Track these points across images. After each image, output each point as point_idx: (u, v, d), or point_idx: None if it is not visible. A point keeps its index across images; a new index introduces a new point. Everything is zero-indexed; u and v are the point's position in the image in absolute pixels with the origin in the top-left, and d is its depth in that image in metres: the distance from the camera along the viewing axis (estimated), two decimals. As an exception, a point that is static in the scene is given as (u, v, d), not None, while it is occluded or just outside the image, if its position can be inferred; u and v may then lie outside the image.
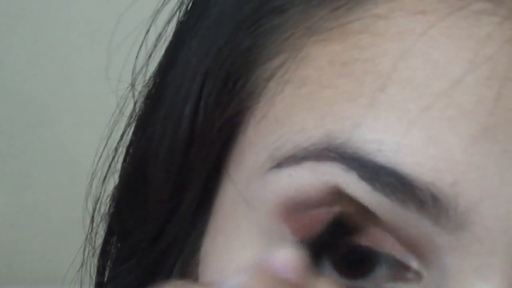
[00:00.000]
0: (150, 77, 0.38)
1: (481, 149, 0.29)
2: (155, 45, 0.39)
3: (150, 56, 0.39)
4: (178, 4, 0.38)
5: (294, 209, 0.31)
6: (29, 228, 1.12)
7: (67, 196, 1.11)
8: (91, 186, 0.42)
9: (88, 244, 0.42)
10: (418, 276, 0.30)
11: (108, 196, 0.40)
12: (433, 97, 0.29)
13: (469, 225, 0.29)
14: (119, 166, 0.40)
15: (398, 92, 0.29)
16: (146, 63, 0.40)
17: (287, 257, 0.28)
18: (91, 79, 1.10)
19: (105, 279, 0.41)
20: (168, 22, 0.38)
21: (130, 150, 0.39)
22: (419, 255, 0.30)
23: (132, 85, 0.40)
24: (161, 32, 0.39)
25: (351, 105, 0.30)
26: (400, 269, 0.30)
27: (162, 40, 0.39)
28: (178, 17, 0.37)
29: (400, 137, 0.29)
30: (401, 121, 0.29)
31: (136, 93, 0.40)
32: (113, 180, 0.41)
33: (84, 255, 0.43)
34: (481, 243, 0.29)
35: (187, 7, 0.37)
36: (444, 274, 0.29)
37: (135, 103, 0.39)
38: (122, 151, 0.40)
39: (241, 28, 0.33)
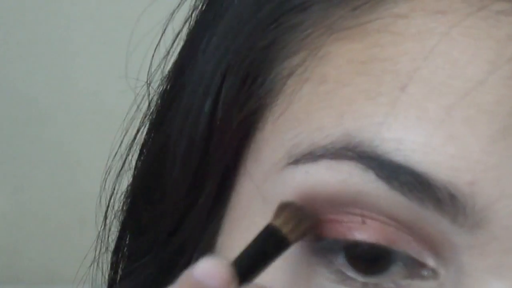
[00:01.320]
0: (166, 75, 0.38)
1: (499, 148, 0.29)
2: (172, 44, 0.39)
3: (168, 54, 0.39)
4: (193, 5, 0.38)
5: (309, 206, 0.31)
6: (29, 228, 1.12)
7: (67, 196, 1.11)
8: (105, 183, 0.42)
9: (100, 241, 0.42)
10: (434, 273, 0.30)
11: (122, 193, 0.40)
12: (453, 97, 0.29)
13: (486, 224, 0.29)
14: (133, 163, 0.40)
15: (417, 91, 0.30)
16: (164, 61, 0.40)
17: (209, 266, 0.28)
18: (91, 79, 1.10)
19: (119, 275, 0.41)
20: (185, 22, 0.38)
21: (145, 147, 0.39)
22: (435, 253, 0.30)
23: (148, 84, 0.40)
24: (178, 32, 0.39)
25: (370, 103, 0.30)
26: (416, 267, 0.31)
27: (176, 40, 0.39)
28: (194, 15, 0.38)
29: (418, 136, 0.29)
30: (420, 120, 0.29)
31: (149, 91, 0.41)
32: (127, 178, 0.41)
33: (95, 252, 0.43)
34: (498, 241, 0.29)
35: (203, 5, 0.37)
36: (460, 272, 0.30)
37: (150, 101, 0.39)
38: (136, 148, 0.40)
39: (261, 26, 0.33)
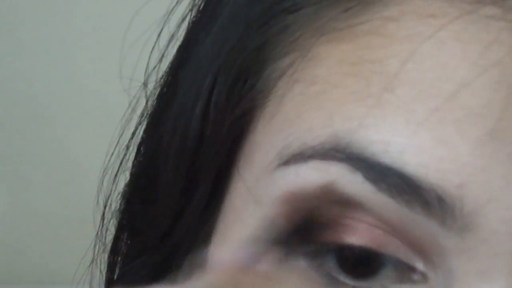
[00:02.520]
0: (162, 76, 0.38)
1: (488, 151, 0.29)
2: (167, 45, 0.39)
3: (162, 56, 0.40)
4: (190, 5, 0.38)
5: (296, 207, 0.31)
6: (29, 228, 1.12)
7: (67, 196, 1.11)
8: (102, 183, 0.42)
9: (98, 241, 0.42)
10: (424, 277, 0.30)
11: (119, 193, 0.41)
12: (441, 99, 0.29)
13: (475, 227, 0.29)
14: (130, 163, 0.40)
15: (405, 93, 0.30)
16: (159, 62, 0.40)
17: (252, 250, 0.28)
18: (91, 79, 1.10)
19: (115, 275, 0.41)
20: (180, 22, 0.39)
21: (141, 148, 0.39)
22: (424, 257, 0.30)
23: (144, 84, 0.40)
24: (173, 32, 0.39)
25: (358, 105, 0.30)
26: (405, 270, 0.30)
27: (174, 40, 0.40)
28: (190, 16, 0.38)
29: (406, 138, 0.29)
30: (408, 122, 0.29)
31: (144, 92, 0.41)
32: (124, 178, 0.41)
33: (94, 251, 0.43)
34: (487, 245, 0.29)
35: (199, 7, 0.37)
36: (449, 275, 0.29)
37: (147, 101, 0.39)
38: (133, 148, 0.40)
39: (252, 27, 0.33)
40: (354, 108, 0.30)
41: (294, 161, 0.31)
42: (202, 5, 0.37)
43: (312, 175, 0.30)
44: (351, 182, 0.30)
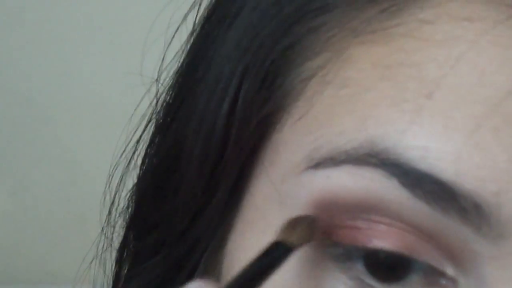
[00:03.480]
0: (175, 73, 0.38)
1: None
2: (169, 43, 0.39)
3: (164, 54, 0.39)
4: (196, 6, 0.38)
5: (328, 211, 0.31)
6: (29, 228, 1.12)
7: (67, 196, 1.11)
8: (110, 180, 0.42)
9: (103, 239, 0.42)
10: (453, 282, 0.30)
11: (127, 192, 0.40)
12: (480, 106, 0.29)
13: (510, 235, 0.28)
14: (139, 162, 0.40)
15: (443, 99, 0.29)
16: (162, 61, 0.40)
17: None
18: (91, 79, 1.10)
19: (123, 273, 0.41)
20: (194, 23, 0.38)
21: (154, 146, 0.39)
22: (455, 262, 0.30)
23: (157, 81, 0.40)
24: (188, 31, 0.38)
25: (394, 110, 0.30)
26: (435, 276, 0.30)
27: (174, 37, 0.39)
28: (197, 12, 0.37)
29: (444, 144, 0.29)
30: (446, 128, 0.29)
31: (158, 90, 0.40)
32: (131, 176, 0.41)
33: (97, 249, 0.43)
34: None
35: (215, 3, 0.37)
36: (481, 281, 0.29)
37: (157, 100, 0.39)
38: (142, 147, 0.40)
39: (283, 25, 0.33)
40: (389, 113, 0.30)
41: (325, 165, 0.30)
42: (219, 1, 0.36)
43: (345, 180, 0.30)
44: (387, 188, 0.29)
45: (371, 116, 0.30)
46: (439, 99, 0.29)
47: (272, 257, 0.30)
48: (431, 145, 0.29)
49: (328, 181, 0.30)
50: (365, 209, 0.30)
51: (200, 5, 0.38)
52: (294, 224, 0.31)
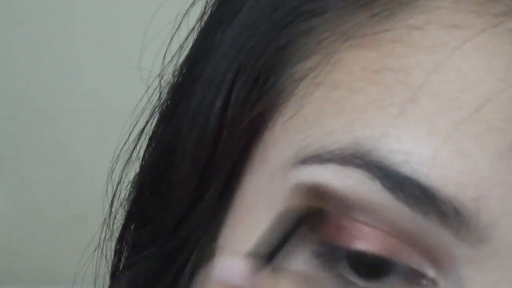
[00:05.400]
0: (176, 69, 0.39)
1: (506, 166, 0.29)
2: (170, 42, 0.40)
3: (166, 53, 0.40)
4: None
5: (309, 198, 0.31)
6: (29, 228, 1.12)
7: (67, 196, 1.12)
8: (112, 173, 0.43)
9: (105, 228, 0.43)
10: (434, 283, 0.31)
11: (129, 183, 0.41)
12: (463, 112, 0.29)
13: (488, 239, 0.29)
14: (141, 153, 0.41)
15: (428, 104, 0.30)
16: (163, 58, 0.40)
17: (235, 265, 0.29)
18: (91, 79, 1.10)
19: (122, 263, 0.41)
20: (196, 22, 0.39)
21: (154, 139, 0.39)
22: (436, 265, 0.30)
23: (160, 76, 0.40)
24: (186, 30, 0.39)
25: (381, 113, 0.30)
26: (416, 276, 0.31)
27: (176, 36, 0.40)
28: (204, 11, 0.38)
29: (427, 149, 0.29)
30: (430, 134, 0.29)
31: (150, 86, 0.41)
32: (134, 168, 0.41)
33: (99, 239, 0.43)
34: (499, 257, 0.29)
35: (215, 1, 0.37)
36: (459, 284, 0.30)
37: (160, 93, 0.40)
38: (144, 139, 0.41)
39: (276, 27, 0.33)
40: (376, 116, 0.30)
41: (311, 162, 0.31)
42: (220, 0, 0.37)
43: (330, 179, 0.30)
44: (370, 189, 0.30)
45: (359, 119, 0.31)
46: (424, 104, 0.30)
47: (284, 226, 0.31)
48: (414, 150, 0.29)
49: (313, 175, 0.31)
50: (349, 207, 0.30)
51: (196, 3, 0.39)
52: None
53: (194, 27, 0.38)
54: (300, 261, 0.32)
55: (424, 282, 0.31)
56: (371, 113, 0.30)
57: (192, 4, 0.39)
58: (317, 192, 0.31)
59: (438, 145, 0.29)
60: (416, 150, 0.29)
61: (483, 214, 0.29)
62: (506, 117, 0.29)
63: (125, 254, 0.41)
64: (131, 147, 0.42)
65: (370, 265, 0.31)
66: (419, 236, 0.30)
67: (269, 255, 0.30)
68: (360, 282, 0.31)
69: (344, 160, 0.30)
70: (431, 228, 0.29)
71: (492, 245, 0.29)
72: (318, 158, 0.31)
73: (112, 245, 0.43)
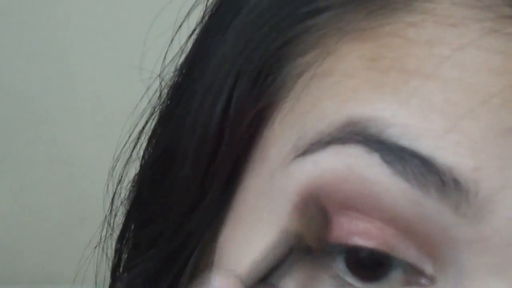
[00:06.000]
0: (176, 69, 0.39)
1: (503, 142, 0.29)
2: (170, 43, 0.40)
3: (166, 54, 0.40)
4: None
5: (312, 197, 0.31)
6: (29, 228, 1.12)
7: (67, 196, 1.12)
8: (113, 171, 0.43)
9: (106, 227, 0.43)
10: (432, 281, 0.31)
11: (129, 182, 0.41)
12: (459, 94, 0.30)
13: (488, 215, 0.29)
14: (141, 153, 0.41)
15: (422, 85, 0.30)
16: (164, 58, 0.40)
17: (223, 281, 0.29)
18: (91, 79, 1.10)
19: (122, 263, 0.41)
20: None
21: (153, 140, 0.40)
22: (434, 257, 0.30)
23: (160, 76, 0.41)
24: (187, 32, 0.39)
25: (375, 92, 0.31)
26: (414, 274, 0.31)
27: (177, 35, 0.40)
28: (204, 12, 0.38)
29: (423, 123, 0.30)
30: (425, 108, 0.30)
31: (151, 87, 0.41)
32: (134, 167, 0.41)
33: (100, 237, 0.43)
34: (499, 235, 0.29)
35: (214, 4, 0.38)
36: (460, 274, 0.30)
37: (160, 93, 0.40)
38: (144, 138, 0.41)
39: (275, 29, 0.34)
40: (370, 94, 0.31)
41: (312, 150, 0.31)
42: (220, 2, 0.37)
43: (331, 161, 0.31)
44: (368, 164, 0.30)
45: (352, 98, 0.31)
46: (418, 86, 0.30)
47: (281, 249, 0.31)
48: (411, 123, 0.30)
49: (315, 166, 0.31)
50: (348, 194, 0.30)
51: (199, 5, 0.39)
52: (301, 209, 0.31)
53: (194, 29, 0.39)
54: (296, 262, 0.31)
55: (423, 280, 0.31)
56: (365, 93, 0.31)
57: (193, 6, 0.40)
58: (318, 187, 0.31)
59: (434, 119, 0.29)
60: (413, 123, 0.30)
61: (482, 184, 0.29)
62: (502, 103, 0.29)
63: (125, 254, 0.41)
64: (131, 146, 0.42)
65: (367, 265, 0.31)
66: (418, 221, 0.30)
67: (263, 277, 0.30)
68: (357, 283, 0.31)
69: (342, 139, 0.30)
70: (430, 206, 0.29)
71: (492, 220, 0.29)
72: (318, 144, 0.31)
73: (113, 244, 0.43)
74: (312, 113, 0.32)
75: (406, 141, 0.30)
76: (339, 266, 0.31)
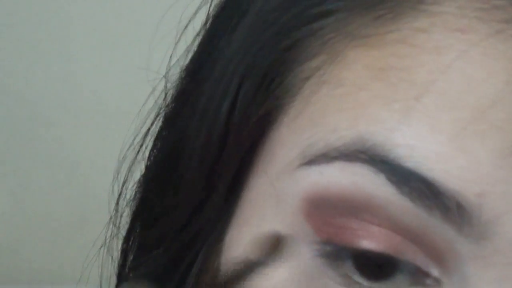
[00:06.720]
0: (181, 71, 0.39)
1: (509, 164, 0.29)
2: (175, 44, 0.40)
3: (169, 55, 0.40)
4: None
5: (320, 207, 0.31)
6: (29, 228, 1.12)
7: (67, 196, 1.12)
8: (118, 173, 0.43)
9: (111, 227, 0.43)
10: (437, 283, 0.31)
11: (134, 183, 0.41)
12: (466, 111, 0.30)
13: (491, 236, 0.29)
14: (146, 154, 0.41)
15: (432, 102, 0.30)
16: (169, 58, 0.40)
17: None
18: (91, 79, 1.10)
19: (128, 264, 0.42)
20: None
21: (158, 140, 0.40)
22: (440, 263, 0.31)
23: (165, 77, 0.41)
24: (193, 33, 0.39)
25: (385, 109, 0.31)
26: (420, 276, 0.31)
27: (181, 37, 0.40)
28: (208, 12, 0.38)
29: (430, 144, 0.30)
30: (433, 130, 0.30)
31: (155, 87, 0.41)
32: (139, 167, 0.41)
33: (105, 237, 0.44)
34: (502, 254, 0.29)
35: (220, 4, 0.38)
36: (463, 281, 0.30)
37: (165, 95, 0.40)
38: (150, 139, 0.41)
39: (282, 30, 0.34)
40: (380, 111, 0.31)
41: (318, 161, 0.31)
42: (225, 3, 0.38)
43: (336, 176, 0.31)
44: (374, 183, 0.30)
45: (363, 115, 0.31)
46: (427, 102, 0.30)
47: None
48: (418, 144, 0.30)
49: (320, 176, 0.31)
50: (355, 205, 0.31)
51: (208, 5, 0.39)
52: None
53: (200, 29, 0.39)
54: (304, 261, 0.32)
55: (428, 282, 0.31)
56: (375, 109, 0.31)
57: (199, 6, 0.40)
58: (324, 195, 0.31)
59: (441, 141, 0.30)
60: (420, 145, 0.30)
61: (486, 210, 0.29)
62: (508, 117, 0.30)
63: (131, 255, 0.41)
64: (137, 147, 0.42)
65: (375, 265, 0.31)
66: (423, 233, 0.30)
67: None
68: (365, 282, 0.31)
69: (349, 156, 0.31)
70: (434, 224, 0.30)
71: (495, 242, 0.29)
72: (325, 157, 0.31)
73: (118, 244, 0.43)
74: (323, 124, 0.32)
75: (411, 163, 0.30)
76: (348, 265, 0.31)
